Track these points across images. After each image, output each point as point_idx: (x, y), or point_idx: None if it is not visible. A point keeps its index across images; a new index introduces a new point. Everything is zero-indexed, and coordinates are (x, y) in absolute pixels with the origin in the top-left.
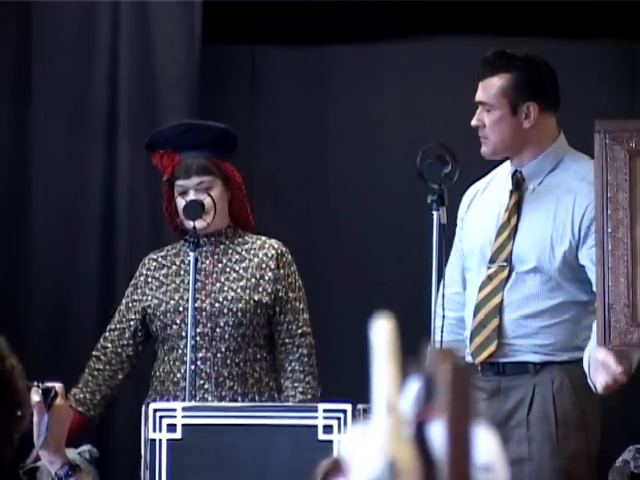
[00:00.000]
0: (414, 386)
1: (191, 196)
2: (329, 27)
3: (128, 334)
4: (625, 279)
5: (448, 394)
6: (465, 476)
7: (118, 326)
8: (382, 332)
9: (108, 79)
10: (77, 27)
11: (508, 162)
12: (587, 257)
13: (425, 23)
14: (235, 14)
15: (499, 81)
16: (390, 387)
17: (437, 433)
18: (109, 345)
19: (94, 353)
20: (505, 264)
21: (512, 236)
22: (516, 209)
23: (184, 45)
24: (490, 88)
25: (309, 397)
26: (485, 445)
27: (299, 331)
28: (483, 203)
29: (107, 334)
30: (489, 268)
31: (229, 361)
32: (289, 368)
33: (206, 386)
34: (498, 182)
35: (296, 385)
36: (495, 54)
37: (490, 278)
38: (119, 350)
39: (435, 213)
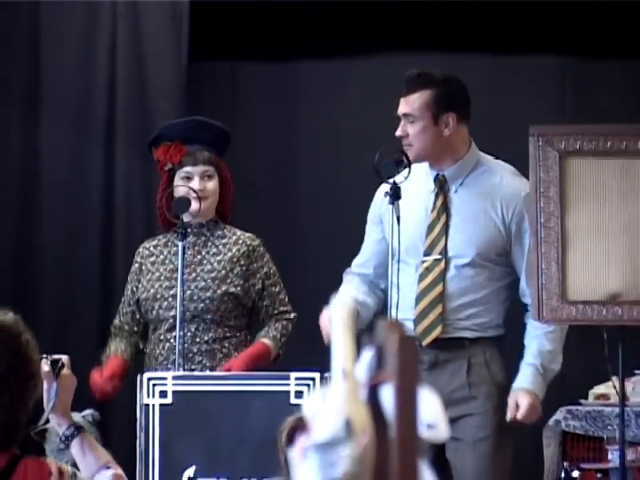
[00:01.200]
0: (367, 354)
1: (195, 182)
2: (300, 44)
3: (138, 315)
4: (556, 263)
5: (396, 361)
6: (411, 433)
7: (127, 309)
8: (338, 310)
9: (107, 90)
10: (80, 45)
11: (418, 166)
12: (517, 247)
13: (385, 41)
14: (217, 33)
15: (422, 96)
16: (346, 356)
17: (387, 396)
18: (125, 327)
19: (112, 330)
20: (440, 257)
21: (444, 232)
22: (444, 207)
23: (172, 60)
24: (413, 102)
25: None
26: (429, 405)
27: (276, 311)
28: (405, 201)
29: (121, 317)
30: (424, 261)
31: (197, 339)
32: (264, 329)
33: (179, 360)
34: (414, 184)
35: (265, 332)
36: (417, 74)
37: (428, 270)
38: (133, 329)
39: (390, 206)
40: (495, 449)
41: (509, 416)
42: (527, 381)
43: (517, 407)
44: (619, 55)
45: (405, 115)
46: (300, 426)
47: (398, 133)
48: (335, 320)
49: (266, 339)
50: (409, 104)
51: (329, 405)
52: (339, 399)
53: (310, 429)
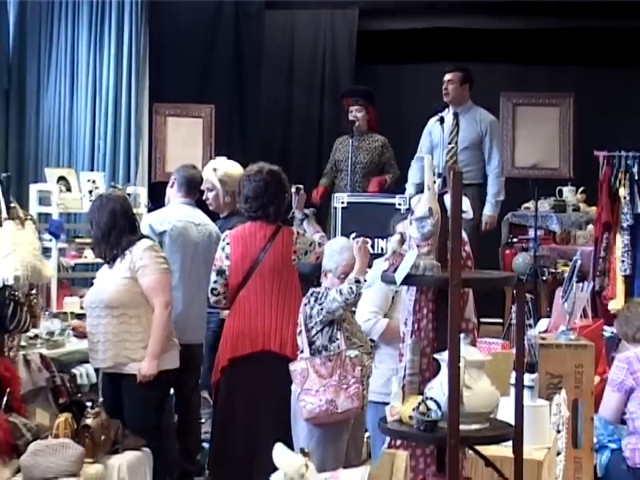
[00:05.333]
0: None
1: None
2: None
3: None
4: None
5: (454, 183)
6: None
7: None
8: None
9: (321, 73)
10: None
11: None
12: (486, 143)
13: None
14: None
15: (456, 74)
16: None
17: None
18: (330, 170)
19: (324, 172)
20: (454, 145)
21: (456, 134)
22: (456, 125)
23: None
24: (453, 75)
25: None
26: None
27: None
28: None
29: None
30: (449, 143)
31: None
32: None
33: None
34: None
35: None
36: (455, 66)
37: (450, 150)
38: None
39: (438, 123)
40: None
41: (482, 228)
42: (488, 210)
43: (486, 223)
44: None
45: (449, 80)
46: None
47: (445, 88)
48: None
49: None
50: (450, 75)
51: None
52: None
53: None
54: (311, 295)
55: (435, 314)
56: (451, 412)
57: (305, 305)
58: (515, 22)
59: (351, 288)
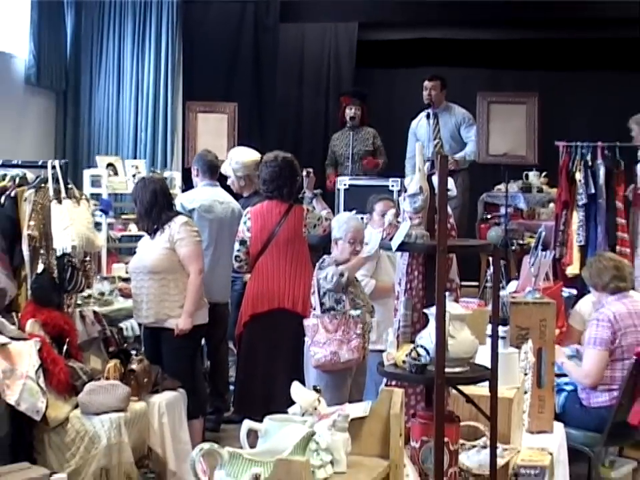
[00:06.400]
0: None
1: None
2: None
3: None
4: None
5: (440, 168)
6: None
7: None
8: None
9: (326, 75)
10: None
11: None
12: (463, 132)
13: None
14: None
15: (436, 82)
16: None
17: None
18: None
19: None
20: (439, 140)
21: (438, 130)
22: (436, 121)
23: (347, 67)
24: (434, 82)
25: None
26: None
27: None
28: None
29: None
30: (435, 138)
31: None
32: None
33: None
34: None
35: None
36: (434, 75)
37: (437, 145)
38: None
39: (425, 119)
40: None
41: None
42: (459, 156)
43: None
44: None
45: (431, 87)
46: None
47: (428, 94)
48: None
49: None
50: (432, 83)
51: None
52: None
53: None
54: (322, 262)
55: (424, 275)
56: (438, 357)
57: (317, 271)
58: (488, 34)
59: (333, 277)
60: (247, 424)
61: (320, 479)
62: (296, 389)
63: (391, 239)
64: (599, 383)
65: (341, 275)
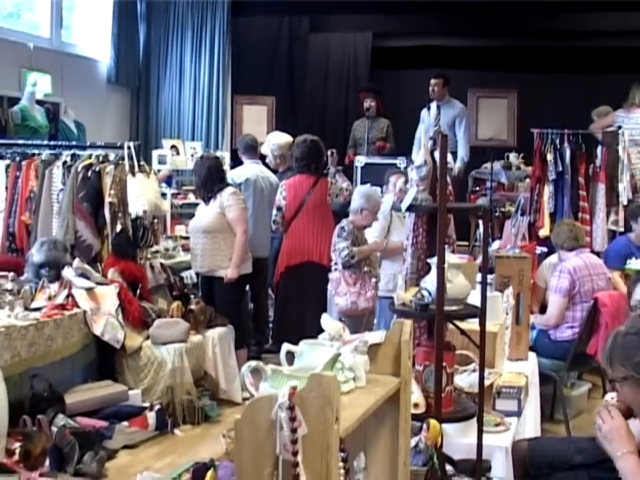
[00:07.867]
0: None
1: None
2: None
3: None
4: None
5: (440, 158)
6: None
7: None
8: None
9: (346, 74)
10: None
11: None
12: (458, 125)
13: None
14: (387, 55)
15: (440, 79)
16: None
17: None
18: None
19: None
20: (438, 127)
21: (439, 121)
22: (438, 113)
23: (363, 68)
24: (438, 80)
25: None
26: None
27: None
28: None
29: None
30: (436, 126)
31: None
32: None
33: None
34: (428, 107)
35: None
36: (439, 74)
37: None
38: None
39: (427, 111)
40: None
41: (456, 174)
42: (459, 164)
43: (458, 172)
44: None
45: (435, 84)
46: None
47: (432, 90)
48: None
49: None
50: (436, 80)
51: None
52: None
53: None
54: (341, 229)
55: (428, 232)
56: (438, 298)
57: (336, 234)
58: (478, 42)
59: (346, 256)
60: (286, 346)
61: (344, 391)
62: (325, 319)
63: (401, 202)
64: (561, 322)
65: (352, 257)
